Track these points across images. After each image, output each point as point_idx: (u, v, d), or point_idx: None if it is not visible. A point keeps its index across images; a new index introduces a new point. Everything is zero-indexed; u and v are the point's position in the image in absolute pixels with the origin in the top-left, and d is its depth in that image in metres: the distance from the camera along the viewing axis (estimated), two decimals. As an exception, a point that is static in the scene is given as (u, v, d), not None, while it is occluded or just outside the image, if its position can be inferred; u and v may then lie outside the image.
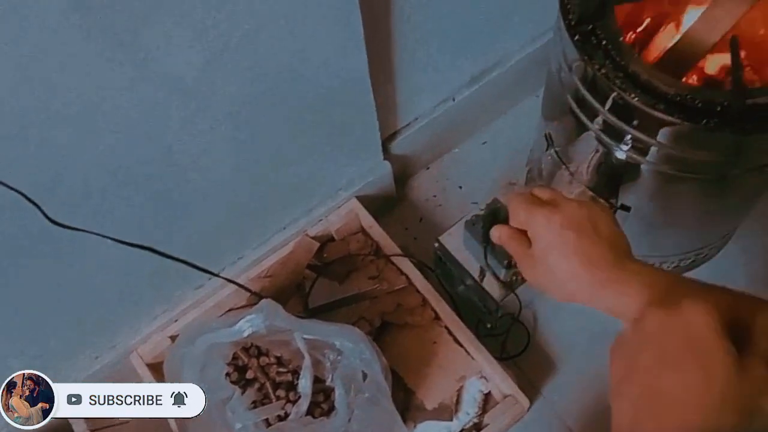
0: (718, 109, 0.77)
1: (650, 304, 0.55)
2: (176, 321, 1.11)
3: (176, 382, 0.89)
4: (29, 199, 0.67)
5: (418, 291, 1.12)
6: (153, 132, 0.81)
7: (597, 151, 0.94)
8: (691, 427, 0.48)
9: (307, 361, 0.91)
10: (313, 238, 1.16)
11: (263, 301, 0.88)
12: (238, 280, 1.10)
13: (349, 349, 0.91)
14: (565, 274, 0.65)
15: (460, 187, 1.33)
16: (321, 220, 1.16)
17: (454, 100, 1.24)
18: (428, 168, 1.36)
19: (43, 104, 0.69)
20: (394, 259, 1.15)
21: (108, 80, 0.71)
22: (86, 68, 0.69)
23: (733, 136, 0.77)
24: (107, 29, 0.67)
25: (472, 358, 1.07)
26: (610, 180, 0.96)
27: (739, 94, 0.76)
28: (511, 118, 1.38)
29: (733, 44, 0.79)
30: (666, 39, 0.93)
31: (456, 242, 1.05)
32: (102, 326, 1.04)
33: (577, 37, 0.82)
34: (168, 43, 0.72)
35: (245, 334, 0.85)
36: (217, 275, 0.99)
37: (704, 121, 0.76)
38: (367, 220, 1.18)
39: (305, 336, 0.91)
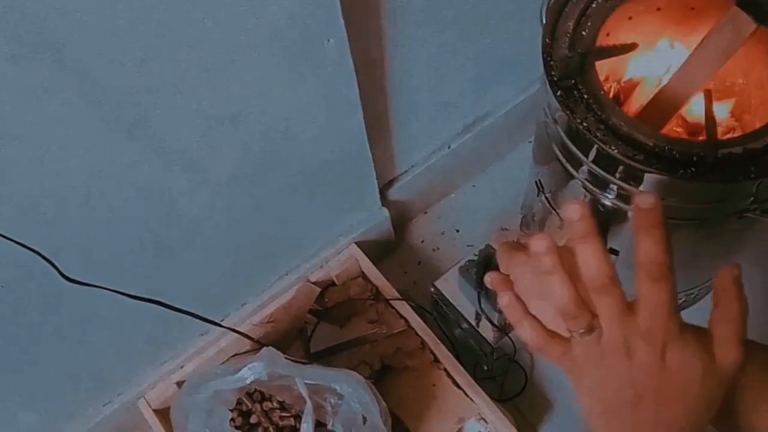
0: (694, 159, 0.80)
1: None
2: (182, 367, 1.13)
3: (183, 429, 0.92)
4: (45, 258, 0.71)
5: (417, 334, 1.14)
6: (158, 193, 0.85)
7: (584, 197, 0.97)
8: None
9: (308, 406, 0.93)
10: (314, 283, 1.19)
11: (264, 349, 0.91)
12: (243, 326, 1.13)
13: (348, 393, 0.94)
14: (544, 318, 0.68)
15: (458, 231, 1.36)
16: (322, 266, 1.20)
17: (449, 147, 1.28)
18: (426, 212, 1.39)
19: (57, 172, 0.73)
20: (393, 302, 1.17)
21: (117, 149, 0.76)
22: (96, 141, 0.73)
23: (709, 185, 0.80)
24: (116, 108, 0.72)
25: (471, 400, 1.10)
26: (599, 225, 0.99)
27: (712, 146, 0.79)
28: (507, 163, 1.42)
29: (706, 98, 0.83)
30: (647, 91, 0.97)
31: (451, 287, 1.09)
32: (110, 374, 1.07)
33: (559, 93, 0.86)
34: (170, 115, 0.76)
35: (248, 381, 0.88)
36: (220, 325, 1.02)
37: (681, 171, 0.79)
38: (367, 265, 1.21)
39: (306, 381, 0.94)
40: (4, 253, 0.75)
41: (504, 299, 0.61)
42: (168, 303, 0.84)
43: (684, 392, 0.53)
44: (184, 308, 0.92)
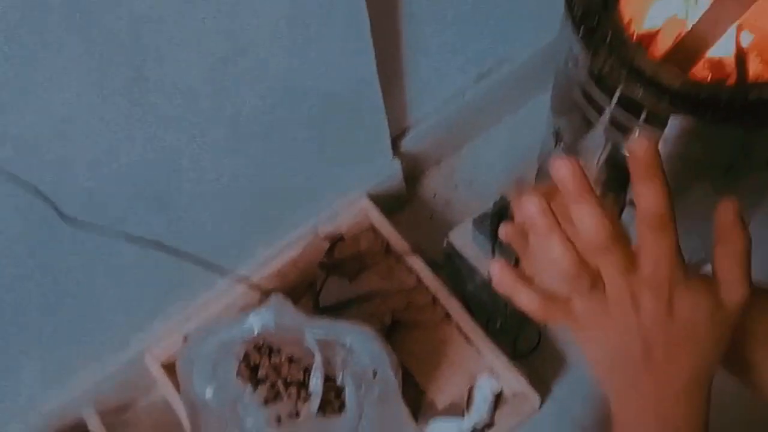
0: (722, 102, 0.76)
1: None
2: (189, 321, 1.11)
3: (188, 381, 0.90)
4: (43, 196, 0.69)
5: (428, 289, 1.12)
6: (165, 137, 0.82)
7: (605, 146, 0.94)
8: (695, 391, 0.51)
9: (317, 360, 0.91)
10: (324, 237, 1.17)
11: (272, 296, 0.89)
12: (250, 279, 1.10)
13: (359, 346, 0.92)
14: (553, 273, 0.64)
15: (471, 184, 1.33)
16: (331, 218, 1.17)
17: (464, 96, 1.24)
18: (439, 165, 1.36)
19: (61, 114, 0.71)
20: (404, 257, 1.15)
21: (119, 93, 0.73)
22: (99, 83, 0.71)
23: (737, 131, 0.77)
24: (117, 52, 0.69)
25: (483, 356, 1.07)
26: (619, 175, 0.96)
27: (742, 89, 0.75)
28: (522, 114, 1.37)
29: (737, 39, 0.79)
30: (672, 33, 0.92)
31: (465, 240, 1.06)
32: (115, 327, 1.06)
33: (582, 32, 0.82)
34: (173, 54, 0.74)
35: (255, 331, 0.86)
36: (226, 271, 1.00)
37: (708, 115, 0.76)
38: (378, 219, 1.18)
39: (315, 334, 0.92)
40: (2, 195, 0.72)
41: (494, 268, 0.57)
42: (171, 247, 0.81)
43: (693, 337, 0.51)
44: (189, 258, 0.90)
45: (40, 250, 0.83)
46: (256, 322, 0.85)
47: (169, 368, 1.09)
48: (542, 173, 1.20)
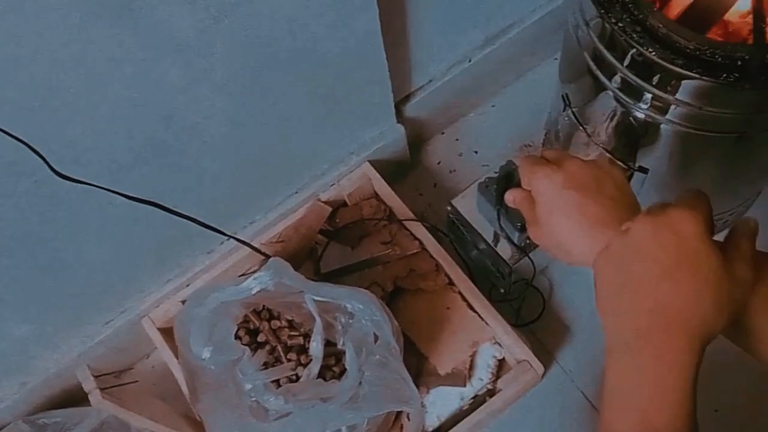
0: (739, 63, 0.74)
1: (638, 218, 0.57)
2: (188, 285, 1.10)
3: (185, 343, 0.89)
4: (34, 150, 0.66)
5: (431, 256, 1.10)
6: (156, 93, 0.80)
7: (615, 111, 0.92)
8: (693, 333, 0.53)
9: (317, 324, 0.90)
10: (325, 202, 1.15)
11: (272, 259, 0.87)
12: (250, 245, 1.09)
13: (359, 311, 0.90)
14: (567, 234, 0.63)
15: (476, 152, 1.31)
16: (333, 184, 1.15)
17: (470, 61, 1.21)
18: (443, 132, 1.33)
19: (50, 67, 0.68)
20: (407, 224, 1.13)
21: (108, 43, 0.71)
22: (88, 34, 0.68)
23: (753, 92, 0.75)
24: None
25: (486, 323, 1.06)
26: (628, 141, 0.94)
27: (759, 49, 0.73)
28: (529, 81, 1.35)
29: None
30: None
31: (469, 205, 1.04)
32: (113, 290, 1.04)
33: (594, -9, 0.80)
34: (165, 3, 0.71)
35: (253, 292, 0.84)
36: (228, 236, 0.98)
37: (723, 76, 0.74)
38: (380, 185, 1.16)
39: (316, 298, 0.90)
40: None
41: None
42: (169, 208, 0.79)
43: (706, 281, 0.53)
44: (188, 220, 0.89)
45: (34, 209, 0.81)
46: (255, 284, 0.83)
47: (167, 332, 1.08)
48: (549, 138, 1.18)
